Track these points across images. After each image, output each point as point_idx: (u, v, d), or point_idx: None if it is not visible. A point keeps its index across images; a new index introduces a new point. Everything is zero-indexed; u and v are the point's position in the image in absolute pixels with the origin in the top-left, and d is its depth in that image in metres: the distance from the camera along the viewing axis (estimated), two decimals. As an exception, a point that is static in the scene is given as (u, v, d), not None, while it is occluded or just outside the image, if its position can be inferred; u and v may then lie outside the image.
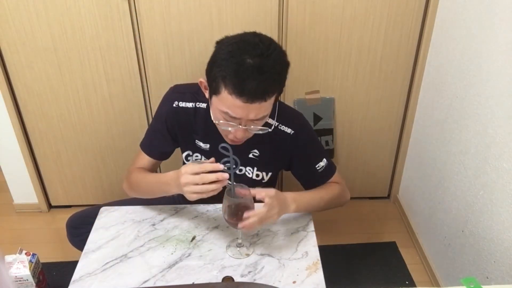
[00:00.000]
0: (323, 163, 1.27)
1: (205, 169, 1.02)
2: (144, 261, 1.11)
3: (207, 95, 1.14)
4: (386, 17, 1.73)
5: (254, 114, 1.05)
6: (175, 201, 1.35)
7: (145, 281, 1.05)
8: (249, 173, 1.29)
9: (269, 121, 1.21)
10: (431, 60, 1.78)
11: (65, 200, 2.16)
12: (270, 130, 1.14)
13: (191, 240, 1.17)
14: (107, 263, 1.10)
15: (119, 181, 2.05)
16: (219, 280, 1.05)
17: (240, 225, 1.04)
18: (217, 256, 1.12)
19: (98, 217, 1.25)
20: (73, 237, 1.40)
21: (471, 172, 1.47)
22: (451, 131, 1.61)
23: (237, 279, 1.05)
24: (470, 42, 1.47)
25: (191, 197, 1.04)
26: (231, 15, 1.68)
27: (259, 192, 1.06)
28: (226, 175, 1.01)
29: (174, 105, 1.24)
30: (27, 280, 1.57)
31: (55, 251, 1.93)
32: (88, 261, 1.11)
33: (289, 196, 1.16)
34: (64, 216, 1.50)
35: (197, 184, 1.02)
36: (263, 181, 1.31)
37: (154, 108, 1.85)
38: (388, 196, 2.26)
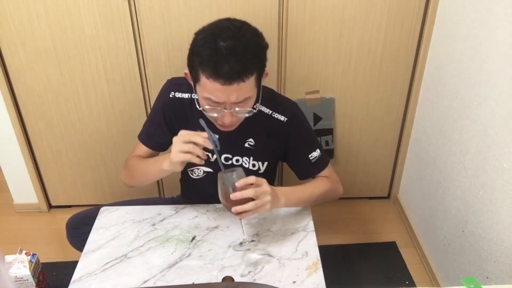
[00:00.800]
0: (316, 153, 1.29)
1: (194, 140, 1.06)
2: (144, 261, 1.11)
3: (194, 88, 1.17)
4: (386, 17, 1.73)
5: (235, 96, 1.07)
6: (175, 201, 1.35)
7: (145, 281, 1.05)
8: (245, 163, 1.30)
9: (262, 109, 1.24)
10: (431, 60, 1.78)
11: (65, 200, 2.16)
12: (255, 111, 1.16)
13: (191, 240, 1.17)
14: (107, 263, 1.10)
15: (119, 181, 2.05)
16: (219, 280, 1.05)
17: (233, 209, 1.03)
18: (217, 256, 1.12)
19: (98, 217, 1.25)
20: (73, 237, 1.40)
21: (471, 172, 1.47)
22: (451, 131, 1.61)
23: (237, 279, 1.05)
24: (470, 42, 1.47)
25: (177, 156, 1.06)
26: (231, 15, 1.66)
27: (250, 178, 1.06)
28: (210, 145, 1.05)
29: (170, 96, 1.28)
30: (27, 280, 1.57)
31: (55, 251, 1.93)
32: (88, 261, 1.11)
33: (279, 189, 1.16)
34: (64, 216, 1.50)
35: (186, 143, 1.06)
36: (260, 171, 1.32)
37: (154, 108, 1.86)
38: (388, 196, 2.26)
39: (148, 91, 1.86)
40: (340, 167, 2.12)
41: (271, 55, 1.78)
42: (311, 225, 1.22)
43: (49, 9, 1.65)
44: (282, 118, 1.26)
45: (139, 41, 1.74)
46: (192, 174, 1.35)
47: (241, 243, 1.13)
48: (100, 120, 1.91)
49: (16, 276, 1.55)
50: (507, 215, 1.27)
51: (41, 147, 1.99)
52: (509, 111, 1.26)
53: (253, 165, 1.31)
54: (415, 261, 1.90)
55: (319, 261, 1.10)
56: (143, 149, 1.34)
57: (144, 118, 1.90)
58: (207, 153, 1.09)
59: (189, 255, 1.12)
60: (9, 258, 1.57)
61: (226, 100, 1.07)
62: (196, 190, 1.40)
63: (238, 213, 1.05)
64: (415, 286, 1.76)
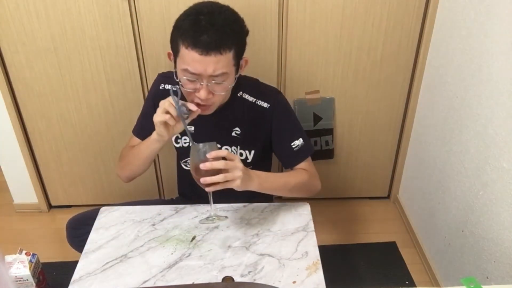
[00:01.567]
0: (299, 142, 1.30)
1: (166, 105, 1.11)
2: (144, 261, 1.11)
3: (174, 65, 1.19)
4: (386, 17, 1.73)
5: (212, 68, 1.09)
6: (175, 203, 1.36)
7: (145, 281, 1.05)
8: (233, 153, 1.30)
9: (246, 98, 1.28)
10: (431, 60, 1.78)
11: (65, 200, 2.16)
12: (234, 83, 1.18)
13: (191, 240, 1.17)
14: (107, 263, 1.10)
15: (119, 181, 2.04)
16: (219, 280, 1.05)
17: (202, 179, 1.03)
18: (217, 256, 1.12)
19: (98, 217, 1.25)
20: (73, 237, 1.40)
21: (471, 172, 1.47)
22: (451, 131, 1.61)
23: (237, 279, 1.05)
24: (470, 42, 1.47)
25: (157, 117, 1.11)
26: (231, 15, 1.67)
27: (223, 151, 1.06)
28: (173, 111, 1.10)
29: (160, 88, 1.33)
30: (27, 280, 1.57)
31: (55, 251, 1.93)
32: (88, 261, 1.11)
33: (252, 171, 1.16)
34: (64, 216, 1.50)
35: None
36: (248, 160, 1.34)
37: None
38: (388, 196, 2.26)
39: (148, 91, 1.85)
40: (340, 167, 2.12)
41: (271, 55, 1.79)
42: (311, 225, 1.22)
43: (49, 9, 1.65)
44: (265, 104, 1.28)
45: (139, 41, 1.74)
46: (186, 166, 1.39)
47: (207, 217, 1.15)
48: (100, 120, 1.91)
49: (16, 276, 1.55)
50: (507, 215, 1.27)
51: (41, 147, 1.99)
52: (509, 111, 1.26)
53: (241, 154, 1.33)
54: (415, 261, 1.90)
55: (319, 261, 1.10)
56: (136, 142, 1.37)
57: (144, 118, 1.91)
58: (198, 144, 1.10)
59: (189, 255, 1.12)
60: (9, 258, 1.57)
61: (202, 72, 1.10)
62: (188, 182, 1.40)
63: (207, 185, 1.04)
64: (415, 286, 1.76)
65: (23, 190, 2.10)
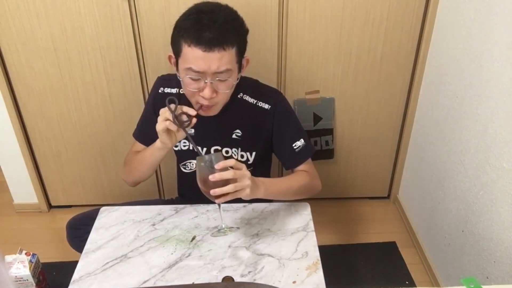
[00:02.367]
0: (300, 142, 1.30)
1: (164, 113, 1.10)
2: (144, 261, 1.11)
3: (174, 68, 1.19)
4: (386, 17, 1.73)
5: (216, 65, 1.09)
6: (175, 203, 1.36)
7: (145, 281, 1.05)
8: (234, 155, 1.31)
9: (247, 99, 1.27)
10: (431, 60, 1.78)
11: (65, 200, 2.16)
12: (237, 80, 1.18)
13: (191, 240, 1.17)
14: (107, 263, 1.10)
15: (119, 181, 2.05)
16: (219, 280, 1.05)
17: (212, 191, 1.01)
18: (217, 256, 1.12)
19: (98, 217, 1.25)
20: (73, 238, 1.40)
21: (471, 172, 1.47)
22: (451, 131, 1.61)
23: (237, 279, 1.05)
24: (470, 42, 1.47)
25: (158, 125, 1.11)
26: (231, 15, 1.67)
27: (230, 160, 1.04)
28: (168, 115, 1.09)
29: (160, 91, 1.32)
30: (27, 280, 1.57)
31: (55, 251, 1.93)
32: (88, 261, 1.11)
33: (257, 178, 1.15)
34: (64, 216, 1.50)
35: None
36: (249, 162, 1.33)
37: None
38: (388, 196, 2.26)
39: (148, 91, 1.85)
40: (340, 167, 2.12)
41: (271, 55, 1.79)
42: (311, 225, 1.22)
43: (49, 9, 1.65)
44: (266, 106, 1.28)
45: (139, 41, 1.74)
46: (184, 168, 1.38)
47: (219, 230, 1.14)
48: (100, 120, 1.91)
49: (16, 276, 1.55)
50: (507, 215, 1.27)
51: (41, 147, 1.99)
52: (509, 111, 1.26)
53: (242, 156, 1.32)
54: (415, 261, 1.90)
55: (319, 261, 1.10)
56: (140, 146, 1.37)
57: (144, 118, 1.91)
58: (198, 147, 1.10)
59: (189, 255, 1.12)
60: (9, 258, 1.57)
61: (206, 69, 1.09)
62: (188, 185, 1.41)
63: (217, 197, 1.02)
64: (415, 286, 1.76)
65: (23, 190, 2.10)
